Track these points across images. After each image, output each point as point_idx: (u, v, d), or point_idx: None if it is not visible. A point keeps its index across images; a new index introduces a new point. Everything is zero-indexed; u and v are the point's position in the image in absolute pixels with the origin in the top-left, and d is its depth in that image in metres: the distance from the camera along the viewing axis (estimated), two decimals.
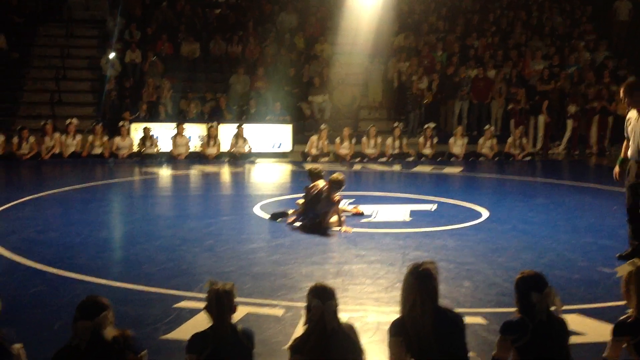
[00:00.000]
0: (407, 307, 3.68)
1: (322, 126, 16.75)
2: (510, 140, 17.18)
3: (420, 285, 3.65)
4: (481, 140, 17.07)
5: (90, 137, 16.12)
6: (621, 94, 7.21)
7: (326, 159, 16.45)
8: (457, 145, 16.88)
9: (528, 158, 17.03)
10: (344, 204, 9.45)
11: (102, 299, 3.52)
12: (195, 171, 14.59)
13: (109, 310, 3.49)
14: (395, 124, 17.21)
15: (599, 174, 15.90)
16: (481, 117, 18.60)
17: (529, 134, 18.06)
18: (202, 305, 3.73)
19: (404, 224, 9.04)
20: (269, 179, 14.33)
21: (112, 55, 18.25)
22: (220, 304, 3.61)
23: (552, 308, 3.75)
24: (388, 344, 3.72)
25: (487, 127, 17.34)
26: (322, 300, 3.61)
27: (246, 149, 16.47)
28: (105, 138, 16.17)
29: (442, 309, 3.73)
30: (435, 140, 17.01)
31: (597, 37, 20.96)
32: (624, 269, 4.05)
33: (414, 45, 20.10)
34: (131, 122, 16.66)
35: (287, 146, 17.23)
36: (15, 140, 15.59)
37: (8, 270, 6.69)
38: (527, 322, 3.71)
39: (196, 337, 3.65)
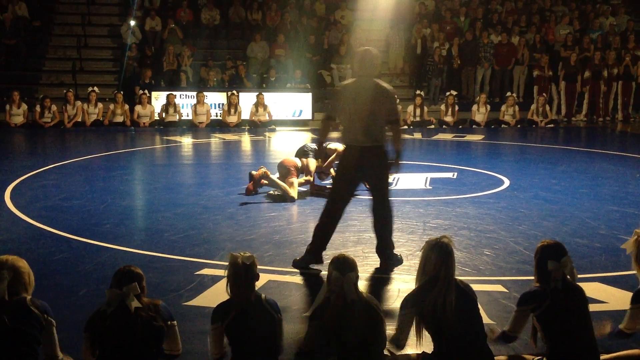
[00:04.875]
0: (427, 281, 3.70)
1: None
2: (533, 107, 17.01)
3: (444, 261, 3.68)
4: (503, 108, 16.91)
5: (112, 106, 16.22)
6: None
7: None
8: (480, 112, 16.74)
9: (551, 125, 16.87)
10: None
11: (135, 270, 3.59)
12: (215, 139, 14.63)
13: (141, 281, 3.56)
14: (417, 92, 17.10)
15: (623, 141, 15.73)
16: (504, 84, 18.40)
17: (553, 101, 17.86)
18: (223, 272, 3.77)
19: (424, 192, 9.02)
20: (289, 147, 14.31)
21: (132, 22, 18.24)
22: (240, 277, 3.65)
23: (568, 277, 3.77)
24: (398, 316, 3.75)
25: (509, 94, 17.17)
26: (342, 272, 3.64)
27: (266, 117, 16.48)
28: (126, 106, 16.27)
29: (456, 280, 3.77)
30: (456, 108, 16.88)
31: (622, 2, 20.57)
32: (628, 244, 4.06)
33: (433, 10, 19.84)
34: (151, 90, 16.70)
35: (307, 114, 17.20)
36: (38, 108, 15.72)
37: (33, 237, 6.79)
38: (546, 290, 3.73)
39: (220, 306, 3.70)
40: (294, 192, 8.39)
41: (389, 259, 5.80)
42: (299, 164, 8.76)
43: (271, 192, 8.64)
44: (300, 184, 8.71)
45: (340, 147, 8.83)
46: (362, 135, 5.64)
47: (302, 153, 8.96)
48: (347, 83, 5.89)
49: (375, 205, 5.84)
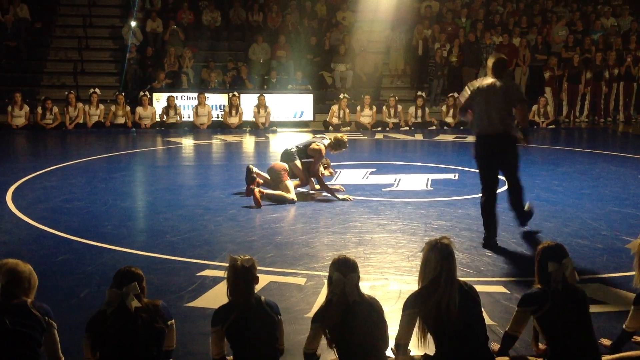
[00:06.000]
0: (430, 282, 3.70)
1: (342, 95, 16.70)
2: (534, 108, 17.00)
3: (445, 262, 3.67)
4: None
5: (113, 107, 16.21)
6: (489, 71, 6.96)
7: (347, 128, 16.40)
8: None
9: (552, 126, 16.86)
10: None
11: (135, 270, 3.61)
12: (217, 141, 14.64)
13: (141, 281, 3.57)
14: (418, 93, 17.11)
15: (624, 142, 15.72)
16: None
17: (555, 102, 17.84)
18: (223, 274, 3.78)
19: (425, 193, 9.02)
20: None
21: (133, 24, 18.24)
22: (239, 279, 3.65)
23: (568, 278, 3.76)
24: (401, 317, 3.75)
25: None
26: (343, 273, 3.64)
27: (268, 119, 16.47)
28: (128, 108, 16.27)
29: (459, 281, 3.76)
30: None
31: (623, 2, 20.56)
32: (634, 244, 4.05)
33: (436, 10, 19.85)
34: (152, 92, 16.71)
35: (308, 115, 17.20)
36: (39, 110, 15.74)
37: (35, 239, 6.80)
38: (547, 291, 3.72)
39: (220, 309, 3.71)
40: (292, 195, 8.40)
41: (524, 217, 6.99)
42: (286, 166, 8.74)
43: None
44: (296, 186, 8.73)
45: (322, 145, 8.81)
46: (496, 125, 6.60)
47: (287, 158, 8.87)
48: (483, 82, 6.78)
49: (508, 181, 6.86)
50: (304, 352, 3.80)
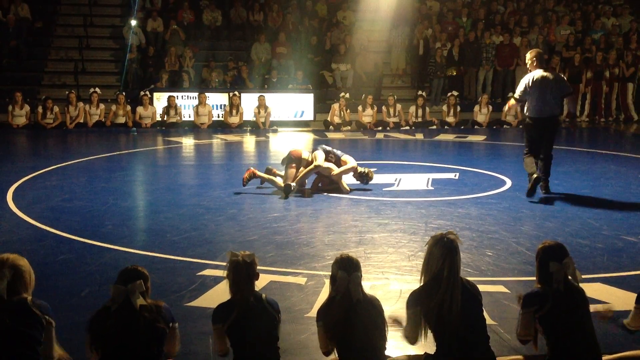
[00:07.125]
0: (432, 279, 3.68)
1: (342, 94, 16.71)
2: None
3: (448, 257, 3.65)
4: (505, 108, 16.90)
5: (114, 107, 16.23)
6: (528, 60, 8.50)
7: (348, 127, 16.40)
8: (482, 113, 16.72)
9: None
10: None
11: (141, 269, 3.60)
12: (217, 140, 14.64)
13: (146, 281, 3.56)
14: (419, 92, 17.10)
15: (624, 141, 15.70)
16: (506, 85, 18.38)
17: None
18: (223, 273, 3.77)
19: (426, 193, 9.02)
20: (291, 148, 14.31)
21: (133, 22, 18.22)
22: (240, 275, 3.64)
23: (570, 278, 3.74)
24: (407, 315, 3.74)
25: (510, 94, 17.14)
26: (347, 272, 3.62)
27: (268, 119, 16.47)
28: (128, 107, 16.28)
29: (462, 279, 3.75)
30: (458, 108, 16.87)
31: (624, 2, 20.55)
32: None
33: (437, 11, 19.83)
34: (153, 91, 16.71)
35: (309, 115, 17.20)
36: (40, 109, 15.74)
37: (35, 238, 6.80)
38: (547, 291, 3.71)
39: (220, 307, 3.69)
40: (280, 181, 8.82)
41: (547, 187, 8.58)
42: (305, 155, 8.99)
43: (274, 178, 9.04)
44: (310, 171, 8.88)
45: (352, 162, 8.89)
46: (548, 110, 8.26)
47: (316, 148, 9.22)
48: (534, 74, 8.26)
49: (544, 153, 8.45)
50: (323, 352, 3.77)
